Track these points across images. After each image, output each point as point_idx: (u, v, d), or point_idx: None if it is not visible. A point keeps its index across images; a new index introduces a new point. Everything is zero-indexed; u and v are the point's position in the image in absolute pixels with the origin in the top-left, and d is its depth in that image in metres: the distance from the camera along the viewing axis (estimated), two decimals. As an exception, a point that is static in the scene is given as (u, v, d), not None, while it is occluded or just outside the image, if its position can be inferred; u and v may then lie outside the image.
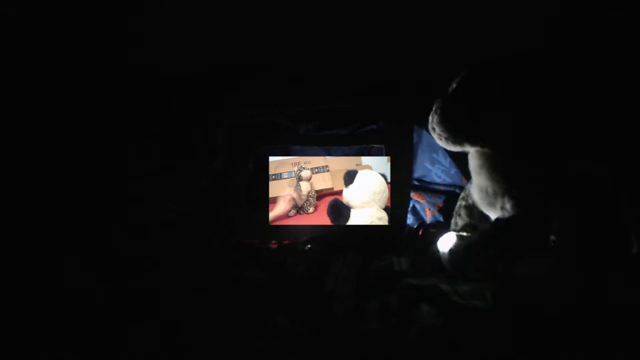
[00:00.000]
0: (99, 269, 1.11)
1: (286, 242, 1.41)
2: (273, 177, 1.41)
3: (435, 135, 1.10)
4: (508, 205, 1.06)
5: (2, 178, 1.19)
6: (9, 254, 1.11)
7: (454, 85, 1.09)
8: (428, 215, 1.49)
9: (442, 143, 1.10)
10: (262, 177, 1.42)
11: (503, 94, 1.03)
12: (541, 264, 0.97)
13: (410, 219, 1.49)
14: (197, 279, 1.10)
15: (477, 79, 1.06)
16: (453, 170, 1.42)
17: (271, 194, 1.41)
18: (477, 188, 1.14)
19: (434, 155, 1.45)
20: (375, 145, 1.49)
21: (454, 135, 1.06)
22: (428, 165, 1.47)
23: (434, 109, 1.09)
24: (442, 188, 1.47)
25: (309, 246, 1.35)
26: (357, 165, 1.42)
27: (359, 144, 1.49)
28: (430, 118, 1.10)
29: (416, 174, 1.50)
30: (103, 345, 0.88)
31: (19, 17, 1.16)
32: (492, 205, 1.11)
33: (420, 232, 1.42)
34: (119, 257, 1.17)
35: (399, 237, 1.40)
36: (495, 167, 1.08)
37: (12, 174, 1.21)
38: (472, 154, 1.13)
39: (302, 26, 1.26)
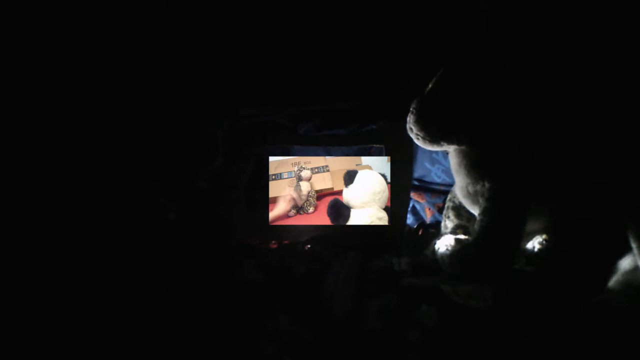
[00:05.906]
0: (99, 269, 1.11)
1: (286, 242, 1.41)
2: (273, 177, 1.41)
3: (412, 136, 1.10)
4: (486, 204, 1.04)
5: (2, 179, 1.19)
6: (9, 255, 1.11)
7: (430, 85, 1.09)
8: (428, 215, 1.49)
9: (420, 143, 1.09)
10: (262, 177, 1.42)
11: (476, 91, 1.02)
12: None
13: (410, 219, 1.49)
14: (197, 279, 1.10)
15: (451, 78, 1.06)
16: (453, 170, 1.42)
17: (271, 194, 1.41)
18: (459, 187, 1.14)
19: (434, 155, 1.44)
20: (375, 145, 1.48)
21: (430, 133, 1.06)
22: (428, 165, 1.47)
23: (411, 109, 1.09)
24: (442, 188, 1.47)
25: (309, 246, 1.35)
26: (357, 165, 1.42)
27: (359, 144, 1.49)
28: (408, 119, 1.10)
29: (416, 174, 1.50)
30: (103, 345, 0.88)
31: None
32: (475, 203, 1.10)
33: (420, 232, 1.42)
34: (119, 258, 1.17)
35: (399, 237, 1.40)
36: (472, 164, 1.07)
37: (11, 175, 1.21)
38: (452, 152, 1.12)
39: (302, 26, 1.26)
